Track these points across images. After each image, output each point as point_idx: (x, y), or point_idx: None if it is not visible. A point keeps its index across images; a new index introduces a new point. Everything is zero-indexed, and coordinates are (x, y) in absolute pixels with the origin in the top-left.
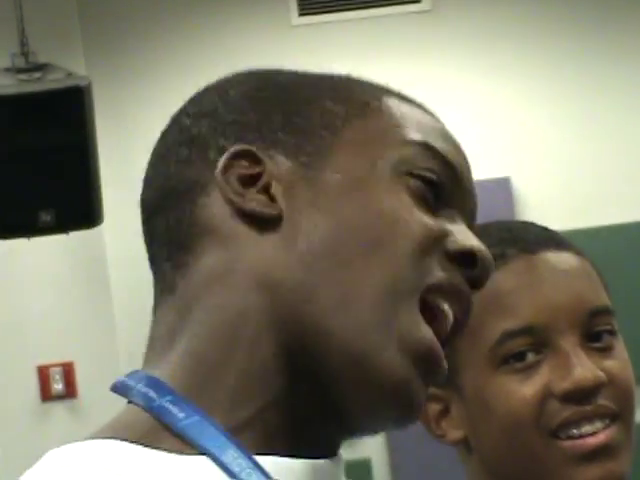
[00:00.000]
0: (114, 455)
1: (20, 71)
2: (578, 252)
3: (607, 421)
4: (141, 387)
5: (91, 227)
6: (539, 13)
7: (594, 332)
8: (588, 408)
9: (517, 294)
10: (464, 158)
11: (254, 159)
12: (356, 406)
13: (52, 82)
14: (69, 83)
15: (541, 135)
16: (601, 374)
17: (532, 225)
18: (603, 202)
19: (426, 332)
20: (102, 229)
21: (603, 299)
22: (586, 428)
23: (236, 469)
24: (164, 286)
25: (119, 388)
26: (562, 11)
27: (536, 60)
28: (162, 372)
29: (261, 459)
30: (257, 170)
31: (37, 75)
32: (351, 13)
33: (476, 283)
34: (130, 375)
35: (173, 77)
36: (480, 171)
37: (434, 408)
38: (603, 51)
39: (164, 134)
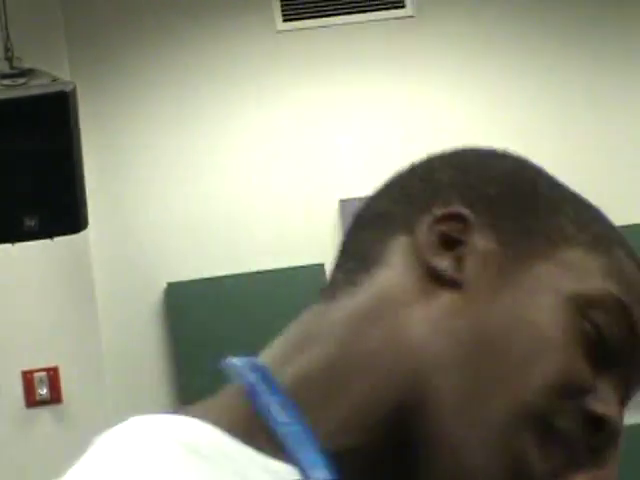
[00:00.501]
0: (205, 443)
1: (4, 76)
2: None
3: None
4: (254, 377)
5: (75, 232)
6: (523, 19)
7: None
8: None
9: None
10: None
11: (466, 226)
12: None
13: (37, 87)
14: (54, 88)
15: (523, 139)
16: None
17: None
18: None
19: (536, 467)
20: (86, 234)
21: None
22: None
23: None
24: (327, 292)
25: (231, 369)
26: (546, 17)
27: (519, 66)
28: (282, 370)
29: None
30: (462, 237)
31: (22, 80)
32: (335, 19)
33: (594, 454)
34: (246, 361)
35: (158, 83)
36: None
37: None
38: (588, 56)
39: (406, 172)
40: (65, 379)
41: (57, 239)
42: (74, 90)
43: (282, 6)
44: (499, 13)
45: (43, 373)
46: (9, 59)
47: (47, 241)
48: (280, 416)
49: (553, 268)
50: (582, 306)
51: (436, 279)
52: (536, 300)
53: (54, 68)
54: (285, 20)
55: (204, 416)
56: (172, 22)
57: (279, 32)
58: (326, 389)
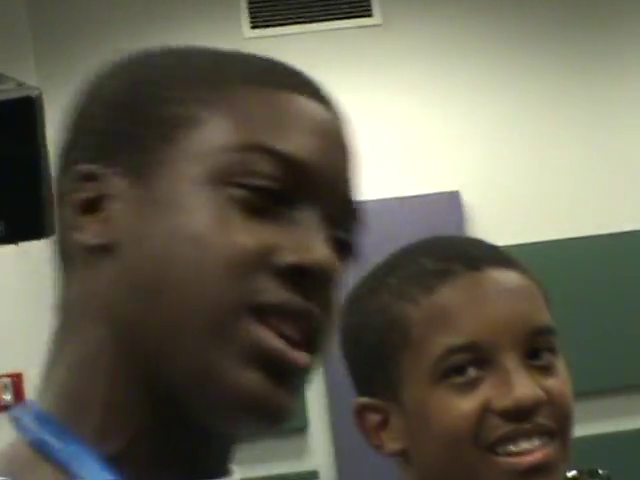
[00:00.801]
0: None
1: None
2: (523, 270)
3: (545, 439)
4: (26, 419)
5: (40, 238)
6: (489, 29)
7: (535, 351)
8: (526, 426)
9: (461, 311)
10: (329, 151)
11: (99, 181)
12: (219, 423)
13: (2, 92)
14: (19, 94)
15: (492, 149)
16: (541, 393)
17: (478, 241)
18: (551, 217)
19: (268, 341)
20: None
21: (545, 318)
22: (524, 445)
23: None
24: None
25: (12, 420)
26: (512, 27)
27: (486, 75)
28: (44, 400)
29: None
30: (98, 193)
31: None
32: (303, 26)
33: (314, 296)
34: (21, 407)
35: None
36: (430, 185)
37: (373, 419)
38: (555, 68)
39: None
40: (29, 385)
41: (22, 245)
42: (40, 96)
43: (250, 13)
44: (465, 23)
45: (7, 379)
46: None
47: (12, 247)
48: (55, 443)
49: (178, 165)
50: (213, 179)
51: (95, 252)
52: (173, 208)
53: (20, 73)
54: (253, 27)
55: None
56: (139, 28)
57: (246, 39)
58: (78, 405)
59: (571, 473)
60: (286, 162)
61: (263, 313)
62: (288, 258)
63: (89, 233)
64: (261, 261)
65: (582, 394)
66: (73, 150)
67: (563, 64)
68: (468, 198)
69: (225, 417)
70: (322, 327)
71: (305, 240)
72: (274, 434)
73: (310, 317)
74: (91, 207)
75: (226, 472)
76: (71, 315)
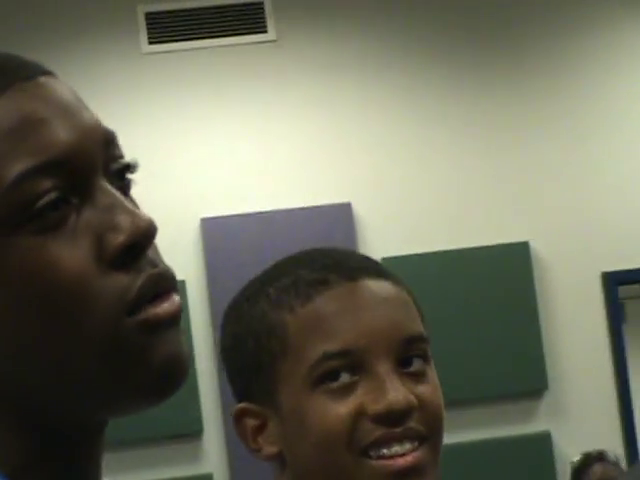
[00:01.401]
0: None
1: None
2: (397, 281)
3: (416, 443)
4: None
5: None
6: (380, 45)
7: (408, 358)
8: (398, 430)
9: (336, 319)
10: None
11: None
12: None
13: None
14: None
15: (381, 162)
16: (412, 399)
17: (354, 253)
18: (440, 228)
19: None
20: None
21: (417, 327)
22: (396, 449)
23: None
24: None
25: None
26: (400, 44)
27: (376, 89)
28: None
29: None
30: None
31: None
32: (201, 42)
33: (135, 247)
34: None
35: None
36: (322, 197)
37: (251, 423)
38: (444, 83)
39: None
40: None
41: None
42: None
43: (148, 28)
44: (356, 40)
45: None
46: None
47: None
48: None
49: None
50: None
51: None
52: None
53: None
54: (151, 43)
55: None
56: (38, 41)
57: (144, 54)
58: None
59: (576, 458)
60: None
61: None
62: (115, 241)
63: None
64: (100, 261)
65: (456, 402)
66: None
67: (450, 79)
68: (358, 209)
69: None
70: (165, 269)
71: (112, 218)
72: (168, 438)
73: (160, 275)
74: None
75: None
76: None
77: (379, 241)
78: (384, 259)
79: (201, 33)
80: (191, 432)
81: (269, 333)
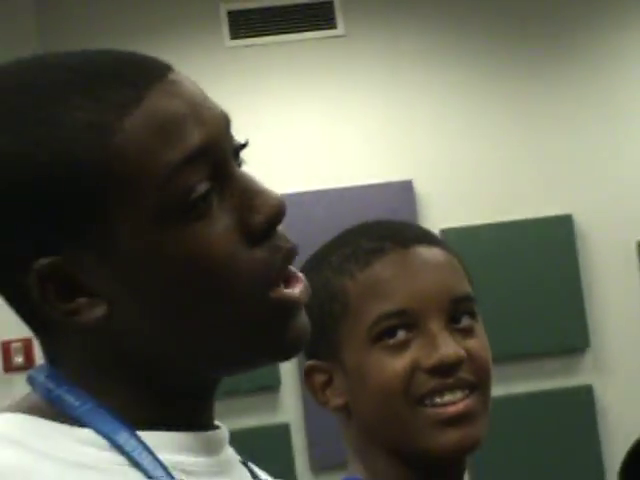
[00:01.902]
0: (11, 431)
1: None
2: (446, 247)
3: (467, 392)
4: (42, 379)
5: None
6: (435, 38)
7: (457, 315)
8: (450, 380)
9: (392, 282)
10: (210, 124)
11: (56, 269)
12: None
13: None
14: None
15: (439, 143)
16: (462, 352)
17: (407, 224)
18: (493, 201)
19: (293, 294)
20: None
21: (465, 288)
22: (448, 397)
23: (128, 448)
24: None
25: (28, 380)
26: (454, 38)
27: (434, 78)
28: (61, 369)
29: (145, 434)
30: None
31: None
32: (276, 37)
33: (272, 225)
34: (36, 368)
35: None
36: (386, 175)
37: (319, 379)
38: (494, 72)
39: None
40: (38, 348)
41: None
42: None
43: (230, 24)
44: (418, 32)
45: (19, 343)
46: None
47: None
48: (72, 401)
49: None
50: (162, 216)
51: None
52: (150, 249)
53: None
54: (232, 38)
55: (19, 411)
56: (120, 39)
57: (228, 48)
58: (93, 381)
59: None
60: (201, 154)
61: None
62: (256, 220)
63: (81, 317)
64: (243, 243)
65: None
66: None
67: (504, 70)
68: (419, 187)
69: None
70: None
71: (252, 201)
72: (250, 391)
73: (289, 252)
74: (69, 292)
75: (215, 426)
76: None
77: (438, 215)
78: (442, 230)
79: (278, 29)
80: (269, 385)
81: (332, 297)
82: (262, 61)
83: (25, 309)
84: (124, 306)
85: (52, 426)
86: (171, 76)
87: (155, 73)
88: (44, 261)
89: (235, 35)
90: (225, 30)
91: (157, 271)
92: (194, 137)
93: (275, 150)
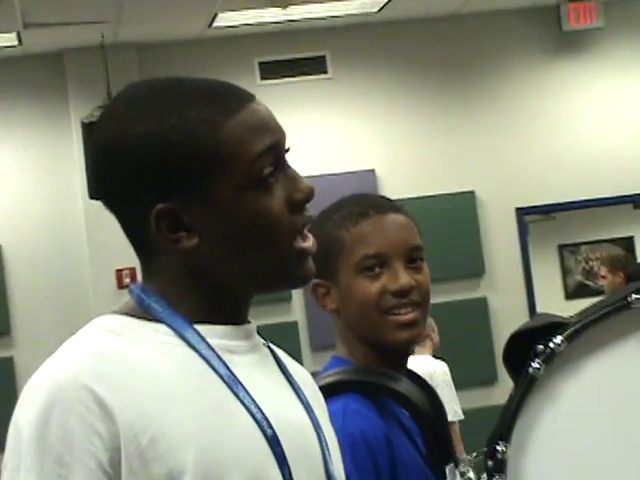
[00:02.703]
0: (116, 326)
1: None
2: (407, 214)
3: (414, 308)
4: (138, 291)
5: None
6: (397, 78)
7: (412, 258)
8: (405, 300)
9: (372, 235)
10: (272, 130)
11: (172, 209)
12: (270, 289)
13: None
14: None
15: (391, 141)
16: (413, 282)
17: (383, 197)
18: (421, 182)
19: (306, 243)
20: None
21: (418, 241)
22: (404, 311)
23: (190, 338)
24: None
25: (129, 291)
26: (409, 77)
27: (396, 103)
28: (152, 284)
29: (202, 327)
30: (178, 219)
31: None
32: (289, 79)
33: (306, 201)
34: (135, 284)
35: None
36: (353, 165)
37: (321, 291)
38: (437, 99)
39: None
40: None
41: None
42: None
43: (260, 68)
44: (383, 75)
45: (127, 270)
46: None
47: None
48: (157, 308)
49: (222, 181)
50: (244, 183)
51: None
52: (237, 200)
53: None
54: (262, 79)
55: (125, 311)
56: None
57: (257, 86)
58: (174, 290)
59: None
60: (266, 151)
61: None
62: (297, 198)
63: (183, 242)
64: (289, 210)
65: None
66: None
67: (431, 98)
68: (381, 175)
69: (284, 284)
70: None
71: (296, 185)
72: (268, 302)
73: (310, 219)
74: (176, 227)
75: (248, 321)
76: (155, 257)
77: (392, 191)
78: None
79: (290, 73)
80: (282, 298)
81: (333, 242)
82: (279, 93)
83: (139, 237)
84: (209, 241)
85: (140, 323)
86: (256, 101)
87: (247, 97)
88: (163, 205)
89: (263, 77)
90: (257, 73)
91: (235, 219)
92: (267, 139)
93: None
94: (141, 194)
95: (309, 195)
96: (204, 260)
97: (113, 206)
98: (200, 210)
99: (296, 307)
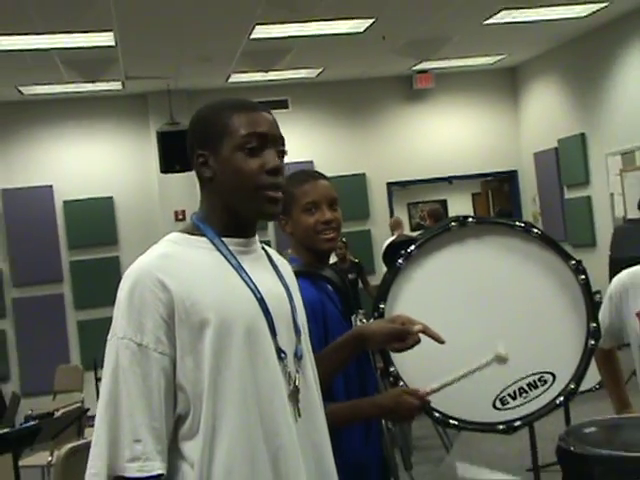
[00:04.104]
0: (178, 238)
1: None
2: (329, 180)
3: (333, 230)
4: (193, 216)
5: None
6: (333, 111)
7: (333, 205)
8: (327, 226)
9: (310, 191)
10: (262, 123)
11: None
12: (258, 216)
13: None
14: None
15: (318, 147)
16: (333, 217)
17: (316, 171)
18: (337, 169)
19: (272, 180)
20: None
21: (336, 195)
22: (330, 234)
23: (217, 244)
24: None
25: (190, 217)
26: (338, 110)
27: (331, 126)
28: (200, 211)
29: (225, 239)
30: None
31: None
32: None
33: (276, 173)
34: (194, 212)
35: None
36: (296, 157)
37: (283, 221)
38: (351, 124)
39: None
40: (189, 213)
41: None
42: None
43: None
44: (325, 110)
45: (180, 212)
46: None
47: None
48: (202, 226)
49: (221, 149)
50: (235, 148)
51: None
52: (228, 161)
53: None
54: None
55: (182, 230)
56: None
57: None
58: (211, 214)
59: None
60: (252, 135)
61: (267, 187)
62: (268, 166)
63: (205, 173)
64: (262, 170)
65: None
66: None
67: (349, 125)
68: (316, 163)
69: (260, 215)
70: (283, 183)
71: (270, 157)
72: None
73: (281, 183)
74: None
75: (254, 234)
76: (207, 195)
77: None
78: None
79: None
80: (263, 227)
81: (292, 194)
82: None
83: (197, 175)
84: (218, 180)
85: (190, 237)
86: (264, 109)
87: (259, 107)
88: (201, 151)
89: None
90: None
91: (228, 168)
92: (257, 128)
93: None
94: (194, 147)
95: (276, 167)
96: (219, 192)
97: (189, 158)
98: (215, 158)
99: (270, 231)
